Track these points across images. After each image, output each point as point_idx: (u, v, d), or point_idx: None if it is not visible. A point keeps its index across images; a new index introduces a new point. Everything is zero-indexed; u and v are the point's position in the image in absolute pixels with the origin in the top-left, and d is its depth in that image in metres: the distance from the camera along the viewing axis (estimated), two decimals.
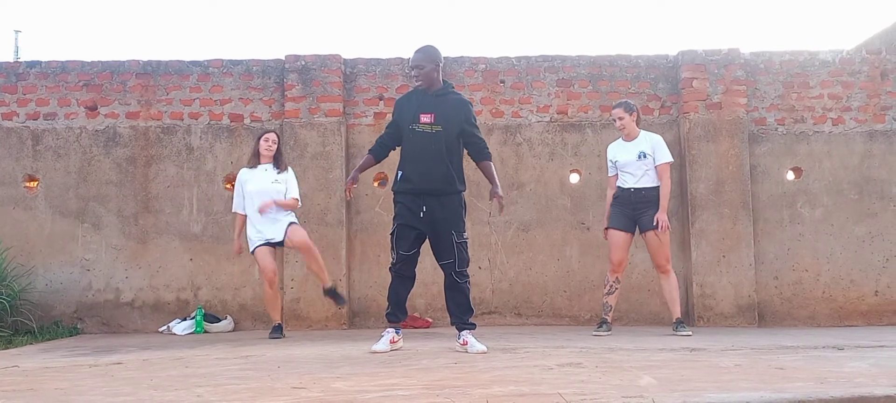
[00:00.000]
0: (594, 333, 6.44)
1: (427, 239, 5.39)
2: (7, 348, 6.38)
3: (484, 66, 8.01)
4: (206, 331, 7.44)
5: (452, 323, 5.47)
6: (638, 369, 4.16)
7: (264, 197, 6.69)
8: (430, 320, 7.63)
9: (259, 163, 6.85)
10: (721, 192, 7.68)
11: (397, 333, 5.39)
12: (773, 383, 3.57)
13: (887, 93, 7.99)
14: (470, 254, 7.63)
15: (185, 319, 7.54)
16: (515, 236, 7.84)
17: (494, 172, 5.55)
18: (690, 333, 6.39)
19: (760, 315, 7.66)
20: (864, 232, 7.82)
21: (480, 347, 5.19)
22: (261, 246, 6.71)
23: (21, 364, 5.05)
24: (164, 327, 7.58)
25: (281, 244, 6.79)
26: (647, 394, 3.23)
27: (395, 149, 5.60)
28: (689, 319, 7.69)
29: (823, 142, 7.91)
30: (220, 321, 7.63)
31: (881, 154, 7.90)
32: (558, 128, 7.93)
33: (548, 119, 7.96)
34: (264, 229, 6.70)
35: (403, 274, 5.37)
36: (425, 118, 5.25)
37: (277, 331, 6.76)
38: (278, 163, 6.86)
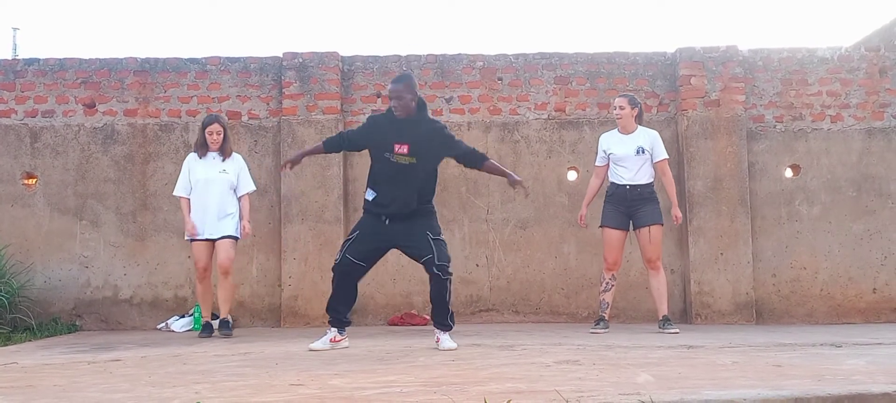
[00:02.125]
0: (592, 330, 6.44)
1: (383, 259, 5.58)
2: (6, 345, 6.37)
3: (481, 63, 8.01)
4: None
5: (431, 318, 5.55)
6: (635, 366, 4.16)
7: (211, 186, 6.63)
8: (428, 317, 7.63)
9: (207, 152, 6.73)
10: (719, 190, 7.69)
11: (340, 333, 5.40)
12: (770, 380, 3.58)
13: (886, 91, 7.99)
14: (470, 251, 7.72)
15: (183, 316, 7.54)
16: (513, 233, 7.84)
17: (497, 164, 5.64)
18: (678, 330, 6.40)
19: (758, 312, 7.67)
20: (862, 230, 7.83)
21: (451, 344, 5.24)
22: (198, 240, 6.63)
23: (20, 361, 5.05)
24: (163, 324, 7.58)
25: (220, 237, 6.67)
26: (644, 391, 3.23)
27: (345, 150, 5.76)
28: (686, 316, 7.70)
29: (822, 139, 7.92)
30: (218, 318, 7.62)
31: (879, 151, 7.91)
32: (556, 126, 7.93)
33: (545, 116, 7.96)
34: (206, 225, 6.61)
35: (344, 280, 5.36)
36: (400, 148, 5.27)
37: (208, 329, 6.65)
38: (224, 151, 6.73)
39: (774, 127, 7.94)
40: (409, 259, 7.37)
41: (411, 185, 5.29)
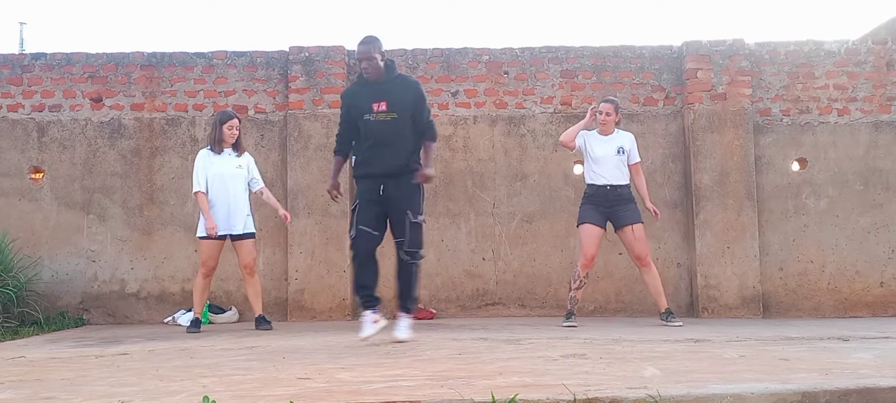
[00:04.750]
0: (565, 324, 6.50)
1: (390, 254, 5.48)
2: (14, 338, 6.40)
3: (487, 57, 8.00)
4: (210, 322, 7.46)
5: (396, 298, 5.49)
6: (642, 360, 4.16)
7: (229, 181, 6.64)
8: (434, 311, 7.64)
9: (222, 149, 6.73)
10: (726, 183, 7.67)
11: (374, 312, 5.33)
12: (777, 374, 3.57)
13: (893, 84, 7.95)
14: (476, 245, 7.72)
15: (190, 310, 7.55)
16: (519, 227, 7.84)
17: (432, 154, 5.50)
18: (682, 323, 6.47)
19: (765, 306, 7.65)
20: (869, 223, 7.80)
21: (403, 335, 5.21)
22: (209, 238, 6.62)
23: (27, 355, 5.07)
24: (170, 318, 7.60)
25: (234, 237, 6.70)
26: (651, 385, 3.23)
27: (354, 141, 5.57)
28: (692, 310, 7.70)
29: (829, 132, 7.89)
30: (225, 311, 7.65)
31: (886, 144, 7.88)
32: (562, 120, 7.92)
33: (551, 110, 7.95)
34: (220, 221, 6.60)
35: (363, 253, 5.29)
36: (379, 107, 5.26)
37: (196, 325, 6.65)
38: (238, 147, 6.78)
39: (781, 120, 7.92)
40: None
41: (396, 141, 5.26)
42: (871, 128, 7.90)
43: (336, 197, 5.53)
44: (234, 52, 8.04)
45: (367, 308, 5.34)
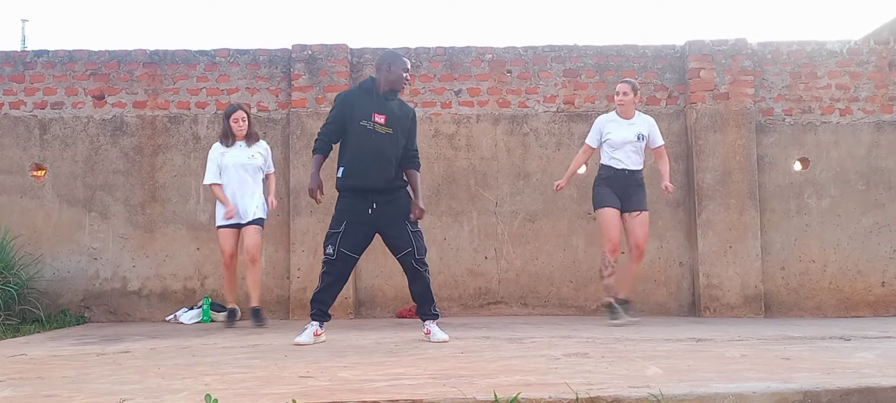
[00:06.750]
0: (613, 322, 6.37)
1: (372, 243, 5.45)
2: (15, 336, 6.40)
3: (490, 55, 7.99)
4: (212, 320, 7.46)
5: (417, 313, 5.55)
6: (644, 359, 4.16)
7: (242, 171, 6.72)
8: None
9: (232, 142, 6.80)
10: (728, 183, 7.67)
11: (321, 327, 5.32)
12: (779, 373, 3.57)
13: (895, 84, 7.95)
14: (479, 244, 7.73)
15: (191, 308, 7.56)
16: (522, 226, 7.84)
17: (419, 184, 5.52)
18: (626, 321, 6.41)
19: (767, 305, 7.65)
20: (871, 223, 7.80)
21: (443, 336, 5.27)
22: (225, 226, 6.73)
23: (29, 352, 5.07)
24: (171, 316, 7.60)
25: (247, 223, 6.76)
26: (653, 384, 3.22)
27: (334, 142, 5.45)
28: (694, 309, 7.70)
29: (831, 132, 7.89)
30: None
31: (888, 144, 7.87)
32: (565, 119, 7.92)
33: (554, 109, 7.94)
34: (237, 207, 6.68)
35: (340, 275, 5.32)
36: (379, 118, 5.27)
37: (232, 317, 6.73)
38: (250, 138, 6.84)
39: (783, 120, 7.91)
40: None
41: (388, 156, 5.26)
42: (874, 127, 7.89)
43: (320, 198, 5.37)
44: (237, 50, 8.04)
45: (316, 319, 5.32)
